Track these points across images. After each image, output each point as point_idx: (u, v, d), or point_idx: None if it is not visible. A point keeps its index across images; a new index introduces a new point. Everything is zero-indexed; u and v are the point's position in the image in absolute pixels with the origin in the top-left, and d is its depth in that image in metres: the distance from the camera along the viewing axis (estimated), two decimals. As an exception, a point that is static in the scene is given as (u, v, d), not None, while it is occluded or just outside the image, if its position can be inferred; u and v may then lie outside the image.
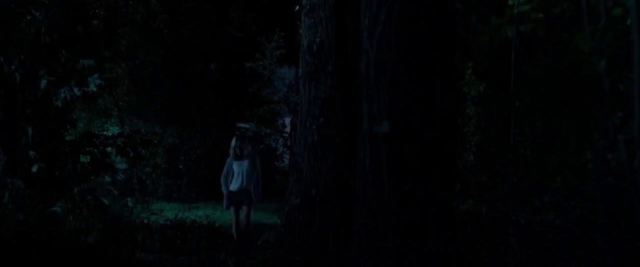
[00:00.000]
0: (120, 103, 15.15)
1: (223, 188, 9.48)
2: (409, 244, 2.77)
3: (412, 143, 2.73)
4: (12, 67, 7.73)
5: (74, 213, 7.15)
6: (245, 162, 9.39)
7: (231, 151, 9.54)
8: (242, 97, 20.49)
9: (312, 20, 5.83)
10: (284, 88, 22.36)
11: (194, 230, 10.46)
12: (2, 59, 7.66)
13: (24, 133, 7.65)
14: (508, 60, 4.40)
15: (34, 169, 7.48)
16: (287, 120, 23.93)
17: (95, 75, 7.87)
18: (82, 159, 8.17)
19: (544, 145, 4.31)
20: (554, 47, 3.85)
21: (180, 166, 16.67)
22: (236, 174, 9.42)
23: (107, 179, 7.46)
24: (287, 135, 23.08)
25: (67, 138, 8.49)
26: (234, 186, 9.37)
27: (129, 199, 9.06)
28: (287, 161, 23.18)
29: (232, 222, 9.68)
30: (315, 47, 5.81)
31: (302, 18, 6.03)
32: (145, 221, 9.61)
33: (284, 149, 22.77)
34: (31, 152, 7.70)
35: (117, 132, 15.53)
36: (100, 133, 8.91)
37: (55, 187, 7.43)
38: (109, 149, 8.61)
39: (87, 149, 8.41)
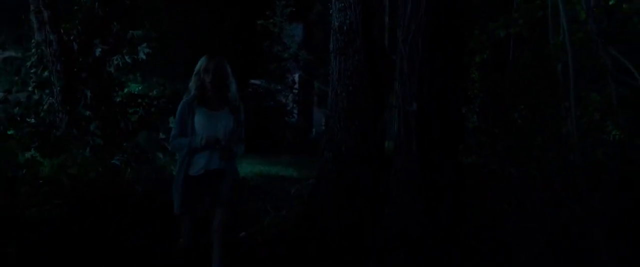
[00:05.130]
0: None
1: (177, 168, 4.62)
2: (430, 188, 4.20)
3: (433, 118, 4.13)
4: (71, 38, 9.13)
5: (130, 166, 8.54)
6: (224, 117, 4.58)
7: (193, 83, 4.57)
8: (254, 54, 21.63)
9: (343, 4, 7.11)
10: (294, 45, 23.50)
11: None
12: (62, 30, 9.04)
13: (83, 95, 9.06)
14: (505, 49, 5.83)
15: (92, 127, 8.90)
16: (296, 77, 25.23)
17: (144, 45, 9.30)
18: (132, 118, 9.59)
19: (530, 113, 5.74)
20: (538, 42, 5.23)
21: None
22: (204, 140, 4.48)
23: (162, 135, 8.82)
24: (296, 91, 24.35)
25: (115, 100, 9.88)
26: (197, 166, 4.50)
27: (159, 154, 9.43)
28: (296, 116, 24.56)
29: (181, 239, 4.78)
30: (345, 27, 7.10)
31: (333, 2, 7.34)
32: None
33: (293, 105, 24.06)
34: (87, 112, 9.11)
35: (138, 89, 16.87)
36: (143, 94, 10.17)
37: (110, 143, 8.80)
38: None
39: (134, 109, 9.85)
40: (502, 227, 5.13)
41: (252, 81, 22.27)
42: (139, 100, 9.84)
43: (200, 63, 4.60)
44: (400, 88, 4.25)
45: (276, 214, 8.07)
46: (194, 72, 4.60)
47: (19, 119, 7.81)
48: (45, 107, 8.61)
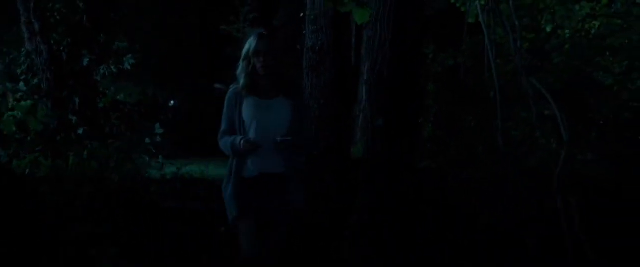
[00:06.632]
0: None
1: (227, 169, 4.00)
2: (390, 181, 5.42)
3: (395, 132, 5.35)
4: (61, 48, 10.14)
5: (118, 168, 9.55)
6: (277, 105, 3.94)
7: (240, 69, 4.02)
8: (219, 59, 22.62)
9: (315, 27, 8.27)
10: (257, 51, 24.46)
11: (195, 183, 12.56)
12: (52, 41, 10.04)
13: (71, 102, 10.05)
14: (457, 72, 7.17)
15: (80, 131, 9.89)
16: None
17: (129, 56, 10.37)
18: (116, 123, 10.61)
19: (476, 127, 7.05)
20: (480, 70, 6.54)
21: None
22: (254, 135, 3.87)
23: (148, 140, 9.86)
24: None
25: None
26: (251, 167, 3.89)
27: (145, 156, 10.43)
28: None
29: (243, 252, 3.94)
30: (317, 48, 8.25)
31: (307, 25, 8.47)
32: (150, 175, 11.64)
33: (256, 109, 25.07)
34: (74, 118, 10.10)
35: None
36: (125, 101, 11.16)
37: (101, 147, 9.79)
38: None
39: (116, 114, 10.87)
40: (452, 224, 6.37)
41: (217, 85, 23.23)
42: (121, 107, 10.86)
43: (249, 44, 3.92)
44: (369, 107, 5.48)
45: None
46: (242, 57, 3.95)
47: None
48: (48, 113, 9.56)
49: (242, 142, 3.78)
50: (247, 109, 3.88)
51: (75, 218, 6.48)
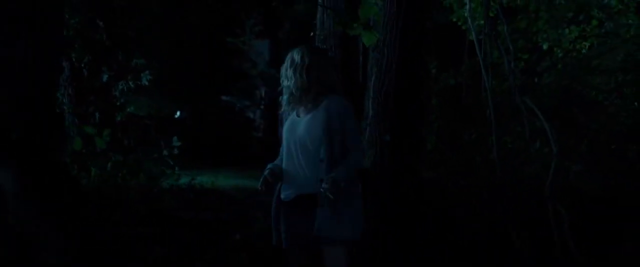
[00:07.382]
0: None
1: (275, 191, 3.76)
2: (398, 189, 6.02)
3: (401, 146, 5.96)
4: (82, 65, 10.77)
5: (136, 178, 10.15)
6: (305, 123, 3.57)
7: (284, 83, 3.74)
8: (225, 71, 23.22)
9: (324, 46, 8.98)
10: (262, 62, 25.15)
11: (206, 193, 13.05)
12: (73, 59, 10.67)
13: (92, 116, 10.69)
14: (459, 89, 7.84)
15: (99, 144, 10.50)
16: (263, 92, 26.88)
17: (146, 72, 11.01)
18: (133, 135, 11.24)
19: (475, 140, 7.68)
20: (477, 89, 7.18)
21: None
22: (286, 157, 3.68)
23: (165, 152, 10.45)
24: (263, 107, 26.00)
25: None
26: (287, 189, 3.63)
27: (163, 168, 10.83)
28: (263, 132, 26.18)
29: None
30: (326, 66, 8.95)
31: (316, 44, 9.17)
32: (164, 186, 12.19)
33: (261, 121, 25.71)
34: (94, 131, 10.71)
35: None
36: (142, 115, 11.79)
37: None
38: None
39: (133, 128, 11.50)
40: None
41: (224, 97, 23.83)
42: (137, 120, 11.51)
43: (288, 59, 3.62)
44: (376, 124, 6.10)
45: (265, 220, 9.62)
46: (281, 75, 3.68)
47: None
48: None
49: (277, 199, 3.68)
50: (284, 129, 3.68)
51: (121, 221, 7.06)
